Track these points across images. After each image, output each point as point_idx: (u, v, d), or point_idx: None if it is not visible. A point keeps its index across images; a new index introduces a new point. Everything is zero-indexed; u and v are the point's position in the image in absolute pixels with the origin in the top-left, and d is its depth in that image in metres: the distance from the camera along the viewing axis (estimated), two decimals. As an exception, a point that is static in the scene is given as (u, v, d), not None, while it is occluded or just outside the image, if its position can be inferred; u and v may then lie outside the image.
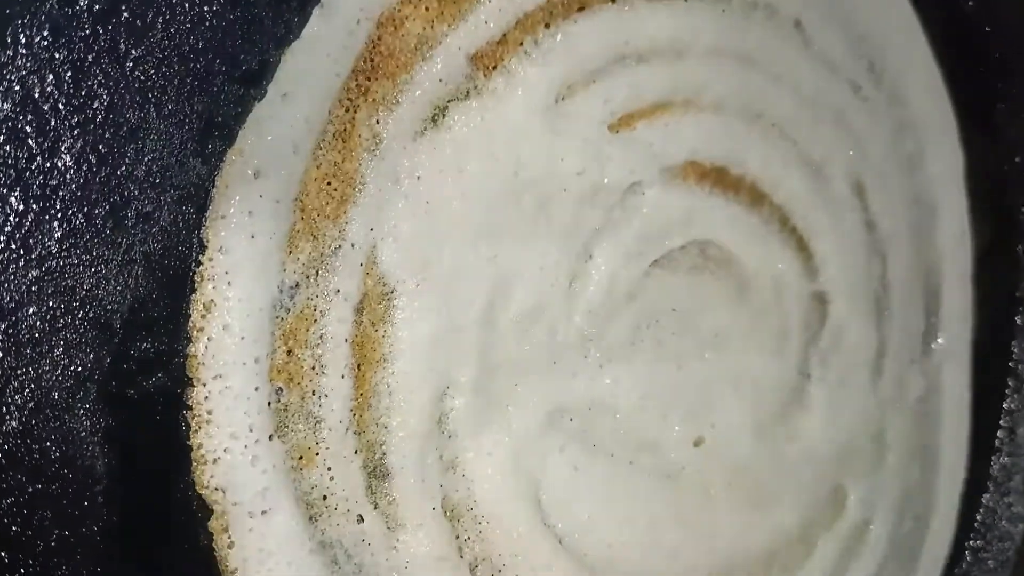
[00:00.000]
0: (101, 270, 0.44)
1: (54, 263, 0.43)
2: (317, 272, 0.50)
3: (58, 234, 0.43)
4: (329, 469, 0.51)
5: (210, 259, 0.47)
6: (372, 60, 0.50)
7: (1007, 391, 0.76)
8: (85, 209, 0.43)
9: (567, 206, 0.55)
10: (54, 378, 0.44)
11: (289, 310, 0.49)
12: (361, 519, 0.51)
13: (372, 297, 0.51)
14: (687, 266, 0.61)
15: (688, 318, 0.61)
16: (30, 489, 0.43)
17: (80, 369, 0.44)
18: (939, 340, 0.72)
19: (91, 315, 0.44)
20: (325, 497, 0.51)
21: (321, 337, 0.50)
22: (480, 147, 0.53)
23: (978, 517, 0.75)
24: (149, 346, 0.45)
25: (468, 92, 0.53)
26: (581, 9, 0.56)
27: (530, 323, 0.55)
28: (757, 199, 0.63)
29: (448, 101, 0.52)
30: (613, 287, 0.58)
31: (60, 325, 0.44)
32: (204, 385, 0.47)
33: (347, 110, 0.50)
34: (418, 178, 0.51)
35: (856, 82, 0.66)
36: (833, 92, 0.65)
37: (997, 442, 0.75)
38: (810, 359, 0.66)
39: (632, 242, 0.58)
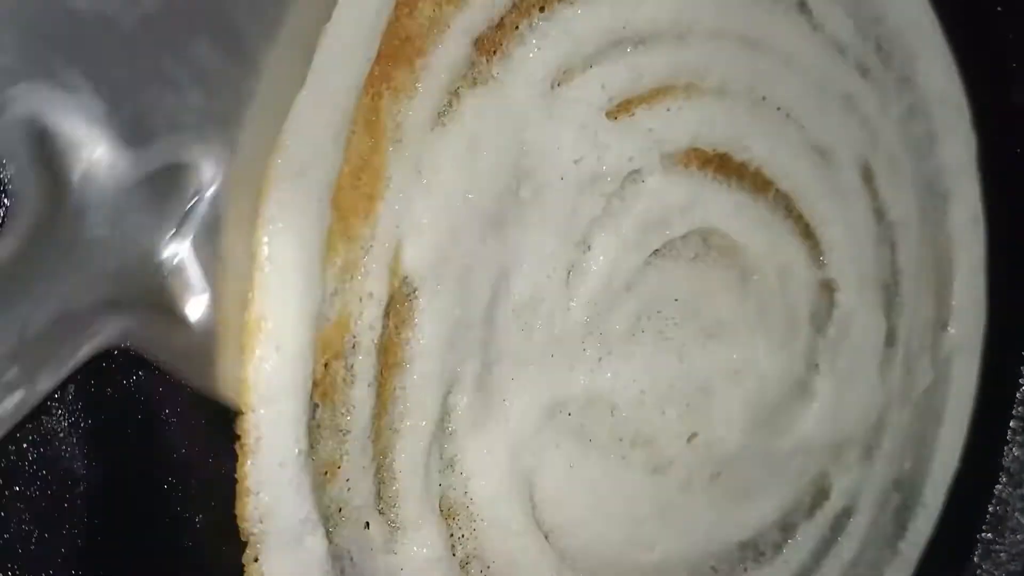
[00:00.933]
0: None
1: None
2: (352, 276, 0.48)
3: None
4: (347, 480, 0.49)
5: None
6: (393, 44, 0.48)
7: (1020, 380, 0.75)
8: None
9: (564, 195, 0.54)
10: (31, 377, 0.42)
11: (329, 319, 0.47)
12: (367, 525, 0.50)
13: (398, 299, 0.49)
14: (689, 255, 0.60)
15: (690, 308, 0.59)
16: (6, 492, 0.42)
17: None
18: (950, 330, 0.71)
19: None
20: (340, 509, 0.49)
21: (354, 346, 0.48)
22: (490, 136, 0.51)
23: (990, 509, 0.74)
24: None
25: (475, 79, 0.51)
26: (579, -11, 0.54)
27: (528, 315, 0.54)
28: (762, 186, 0.61)
29: (458, 88, 0.50)
30: (612, 277, 0.56)
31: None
32: (253, 412, 0.45)
33: (372, 98, 0.48)
34: (437, 170, 0.49)
35: (864, 64, 0.65)
36: (841, 74, 0.63)
37: (1010, 432, 0.74)
38: (818, 350, 0.65)
39: (632, 231, 0.56)
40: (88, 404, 0.44)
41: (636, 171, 0.56)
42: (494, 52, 0.52)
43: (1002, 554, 0.74)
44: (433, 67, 0.50)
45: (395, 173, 0.48)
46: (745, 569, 0.64)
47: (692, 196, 0.58)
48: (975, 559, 0.74)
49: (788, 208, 0.63)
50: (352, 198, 0.47)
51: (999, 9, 0.71)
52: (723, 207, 0.59)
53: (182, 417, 0.46)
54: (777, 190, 0.62)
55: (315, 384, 0.46)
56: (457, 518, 0.53)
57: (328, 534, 0.48)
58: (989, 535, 0.74)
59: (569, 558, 0.56)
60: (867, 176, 0.66)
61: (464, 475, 0.53)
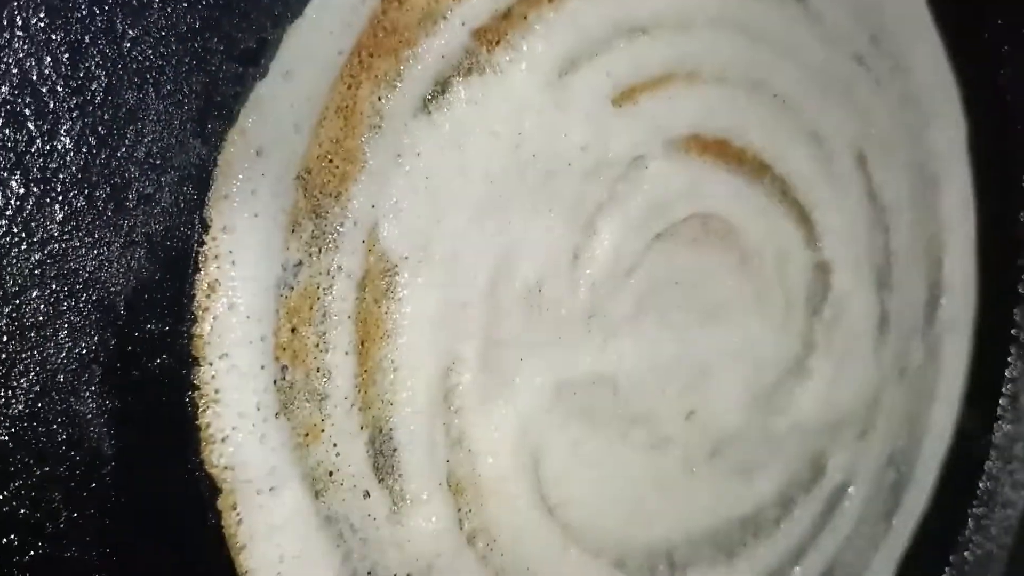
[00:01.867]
0: (103, 252, 0.44)
1: (56, 246, 0.43)
2: (320, 250, 0.50)
3: (59, 217, 0.43)
4: (335, 445, 0.51)
5: (213, 239, 0.47)
6: (376, 36, 0.50)
7: (1009, 359, 0.76)
8: (86, 191, 0.43)
9: (571, 181, 0.55)
10: (59, 361, 0.43)
11: (292, 288, 0.49)
12: (368, 494, 0.52)
13: (374, 273, 0.51)
14: (689, 238, 0.61)
15: (690, 291, 0.61)
16: (37, 472, 0.43)
17: (85, 352, 0.44)
18: (942, 310, 0.72)
19: (94, 298, 0.44)
20: (331, 473, 0.51)
21: (324, 314, 0.50)
22: (480, 123, 0.52)
23: (981, 484, 0.76)
24: (154, 327, 0.45)
25: (470, 67, 0.52)
26: (586, -18, 0.55)
27: (535, 298, 0.55)
28: (759, 171, 0.63)
29: (449, 77, 0.52)
30: (616, 261, 0.57)
31: (64, 308, 0.43)
32: (211, 364, 0.47)
33: (349, 87, 0.50)
34: (418, 155, 0.51)
35: (859, 52, 0.66)
36: (836, 63, 0.65)
37: (1000, 410, 0.76)
38: (814, 330, 0.66)
39: (636, 215, 0.58)
40: (114, 388, 0.45)
41: (640, 157, 0.57)
42: (496, 42, 0.53)
43: (992, 528, 0.75)
44: (421, 56, 0.51)
45: (371, 157, 0.50)
46: (744, 544, 0.65)
47: (693, 181, 0.60)
48: (967, 533, 0.75)
49: (784, 192, 0.64)
50: (322, 178, 0.49)
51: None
52: (722, 191, 0.61)
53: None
54: (774, 175, 0.63)
55: (282, 347, 0.49)
56: (465, 494, 0.54)
57: (318, 494, 0.50)
58: (980, 510, 0.75)
59: (574, 533, 0.58)
60: (861, 161, 0.67)
61: (472, 452, 0.54)
